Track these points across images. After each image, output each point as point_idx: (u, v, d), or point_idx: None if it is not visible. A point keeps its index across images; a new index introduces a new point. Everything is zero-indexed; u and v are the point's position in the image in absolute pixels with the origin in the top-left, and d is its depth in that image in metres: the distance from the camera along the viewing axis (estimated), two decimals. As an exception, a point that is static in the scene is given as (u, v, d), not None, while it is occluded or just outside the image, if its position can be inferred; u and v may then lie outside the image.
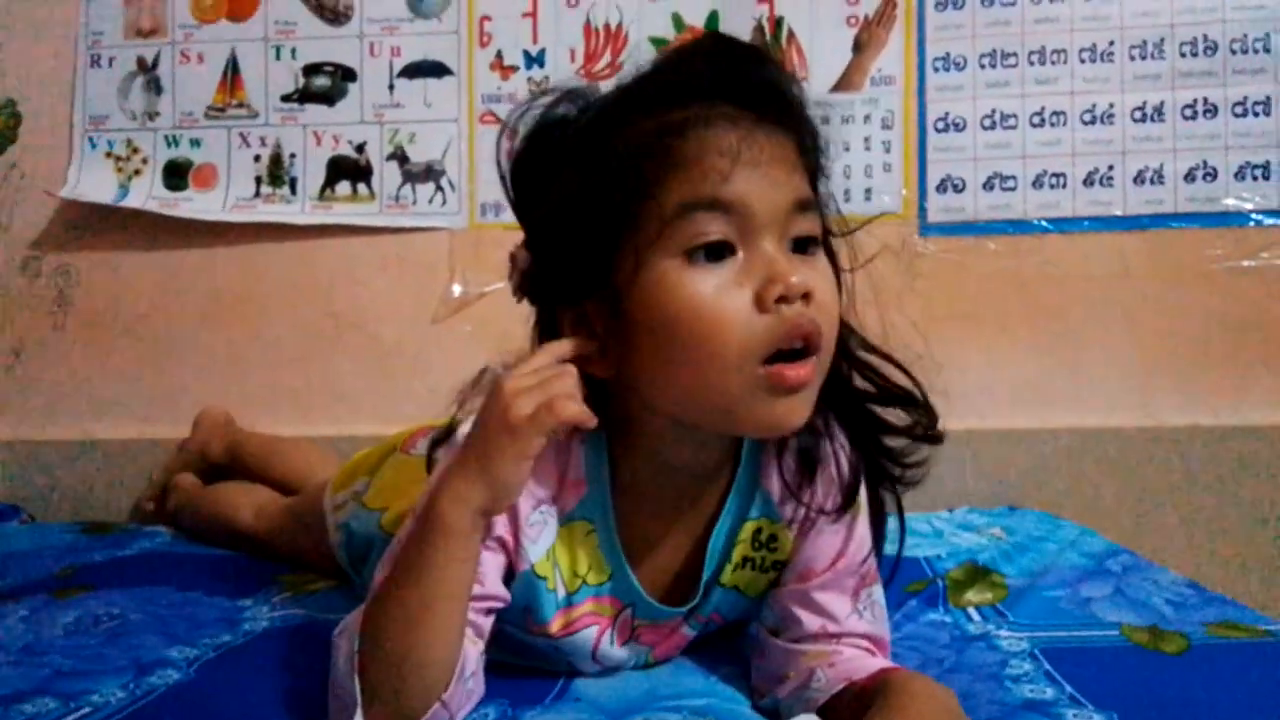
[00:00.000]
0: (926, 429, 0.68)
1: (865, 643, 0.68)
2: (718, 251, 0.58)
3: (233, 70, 1.51)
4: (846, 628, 0.68)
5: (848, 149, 1.41)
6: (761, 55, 0.64)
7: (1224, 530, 1.34)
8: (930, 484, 0.72)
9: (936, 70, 1.42)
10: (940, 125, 1.42)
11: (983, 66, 1.41)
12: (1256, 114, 1.37)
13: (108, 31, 1.53)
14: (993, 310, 1.40)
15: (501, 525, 0.64)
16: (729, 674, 0.73)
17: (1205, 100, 1.37)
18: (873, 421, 0.68)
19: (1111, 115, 1.39)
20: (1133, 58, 1.39)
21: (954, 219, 1.42)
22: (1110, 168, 1.39)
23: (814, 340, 0.59)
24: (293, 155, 1.50)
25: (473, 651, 0.61)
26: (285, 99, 1.50)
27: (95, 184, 1.51)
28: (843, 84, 1.43)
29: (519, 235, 0.68)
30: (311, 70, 1.50)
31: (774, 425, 0.61)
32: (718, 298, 0.57)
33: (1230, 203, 1.37)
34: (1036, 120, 1.40)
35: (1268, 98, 1.36)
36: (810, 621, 0.68)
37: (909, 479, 0.70)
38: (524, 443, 0.58)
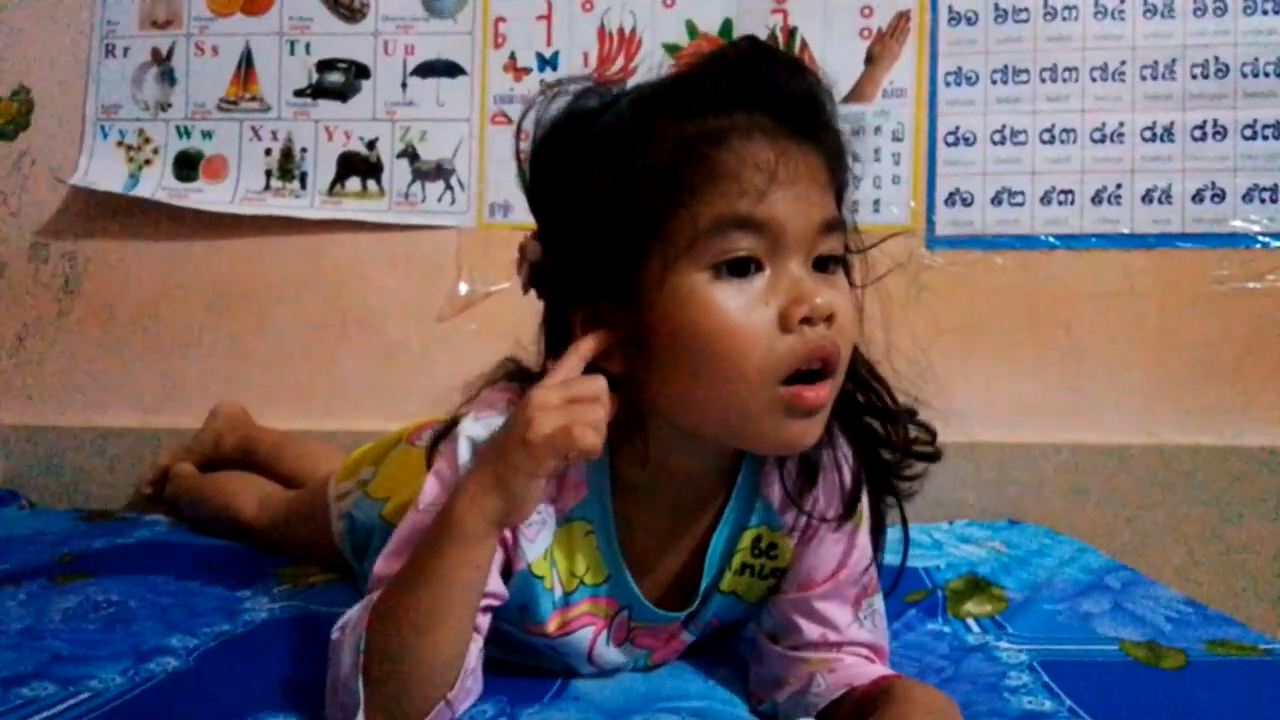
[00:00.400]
0: (925, 445, 0.68)
1: (866, 651, 0.68)
2: (744, 267, 0.58)
3: (247, 64, 1.52)
4: (847, 636, 0.68)
5: (858, 160, 1.41)
6: (801, 66, 0.63)
7: (1224, 549, 1.34)
8: (931, 495, 0.72)
9: (948, 84, 1.42)
10: (950, 139, 1.42)
11: (994, 82, 1.42)
12: (1266, 137, 1.37)
13: (123, 22, 1.53)
14: (998, 324, 1.41)
15: None
16: (727, 676, 0.73)
17: (1215, 122, 1.38)
18: (872, 435, 0.68)
19: (1121, 134, 1.39)
20: (1144, 78, 1.39)
21: (962, 233, 1.42)
22: (1119, 186, 1.39)
23: (833, 362, 0.59)
24: (304, 150, 1.50)
25: (472, 649, 0.61)
26: (298, 94, 1.51)
27: (105, 172, 1.51)
28: (854, 95, 1.43)
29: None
30: (325, 66, 1.51)
31: (787, 445, 0.61)
32: (743, 315, 0.57)
33: (1238, 224, 1.37)
34: (1046, 137, 1.41)
35: (1277, 121, 1.37)
36: (811, 630, 0.68)
37: (904, 492, 0.69)
38: (535, 463, 0.58)
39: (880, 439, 0.68)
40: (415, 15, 1.50)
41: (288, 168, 1.51)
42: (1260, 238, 1.37)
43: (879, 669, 0.67)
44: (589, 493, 0.68)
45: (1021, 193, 1.41)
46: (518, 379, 0.69)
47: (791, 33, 1.44)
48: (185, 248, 1.51)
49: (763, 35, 1.44)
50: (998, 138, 1.41)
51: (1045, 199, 1.41)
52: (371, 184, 1.50)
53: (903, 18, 1.43)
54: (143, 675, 0.70)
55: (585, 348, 0.61)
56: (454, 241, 1.48)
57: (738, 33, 1.44)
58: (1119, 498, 1.35)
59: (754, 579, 0.71)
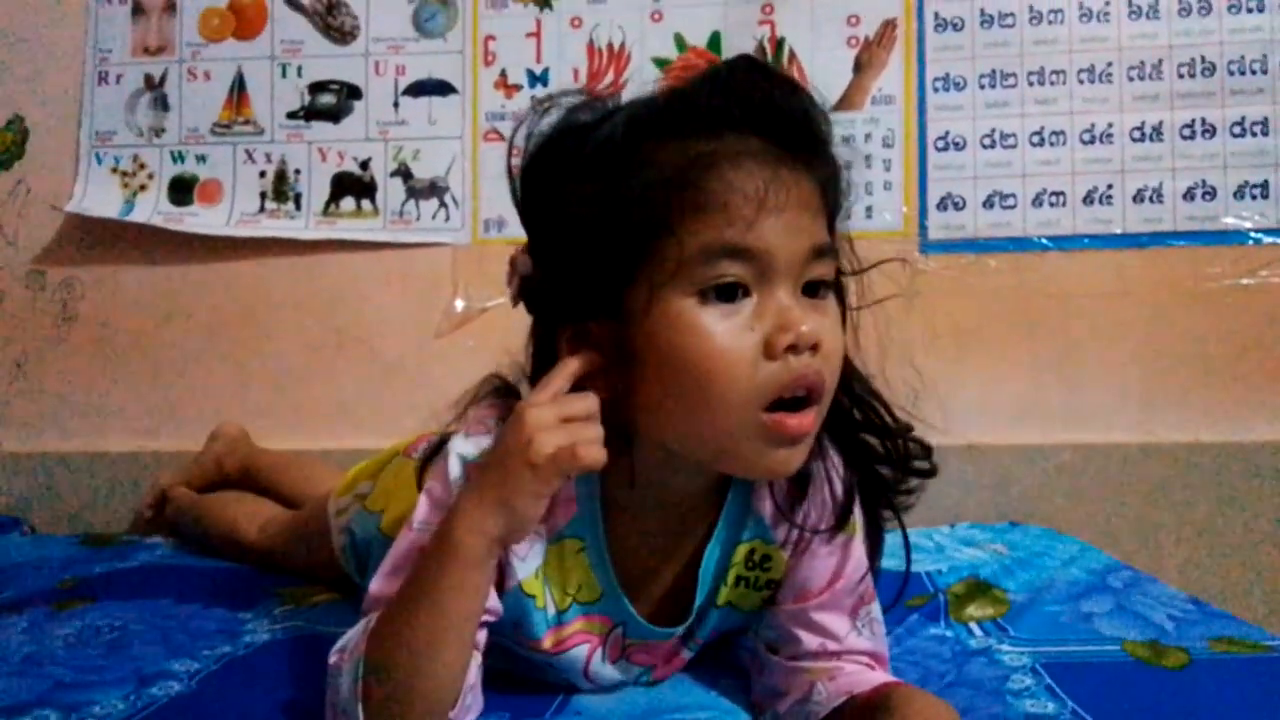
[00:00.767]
0: (921, 462, 0.68)
1: (866, 659, 0.68)
2: (731, 292, 0.58)
3: (239, 87, 1.53)
4: (847, 645, 0.67)
5: (849, 167, 1.41)
6: (796, 87, 0.62)
7: (1225, 546, 1.33)
8: (931, 499, 0.72)
9: (936, 90, 1.43)
10: (940, 144, 1.43)
11: (982, 87, 1.43)
12: (1254, 134, 1.38)
13: (115, 49, 1.54)
14: (993, 327, 1.41)
15: None
16: (730, 687, 0.73)
17: (1203, 120, 1.39)
18: (869, 452, 0.68)
19: (1110, 135, 1.40)
20: (1131, 78, 1.40)
21: (954, 237, 1.42)
22: (1109, 186, 1.40)
23: (817, 392, 0.59)
24: (297, 171, 1.51)
25: (471, 665, 0.61)
26: (291, 116, 1.51)
27: (101, 199, 1.52)
28: (844, 103, 1.44)
29: (521, 249, 0.68)
30: (317, 88, 1.52)
31: (769, 471, 0.61)
32: (727, 339, 0.57)
33: (1229, 221, 1.38)
34: (1036, 139, 1.41)
35: (1265, 118, 1.37)
36: (810, 640, 0.68)
37: (899, 505, 0.69)
38: (542, 482, 0.58)
39: (878, 455, 0.68)
40: (405, 35, 1.51)
41: (282, 189, 1.51)
42: (1252, 234, 1.37)
43: (880, 676, 0.67)
44: (579, 510, 0.67)
45: (1013, 195, 1.42)
46: (503, 395, 0.69)
47: (779, 43, 1.45)
48: (181, 272, 1.52)
49: (750, 46, 1.44)
50: (987, 142, 1.42)
51: (1037, 201, 1.41)
52: (366, 203, 1.50)
53: (889, 25, 1.44)
54: (145, 700, 0.70)
55: (572, 367, 0.61)
56: (449, 258, 1.48)
57: (726, 45, 1.45)
58: (1119, 497, 1.35)
59: (749, 590, 0.71)
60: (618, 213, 0.58)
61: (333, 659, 0.61)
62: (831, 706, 0.64)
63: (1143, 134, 1.40)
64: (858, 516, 0.68)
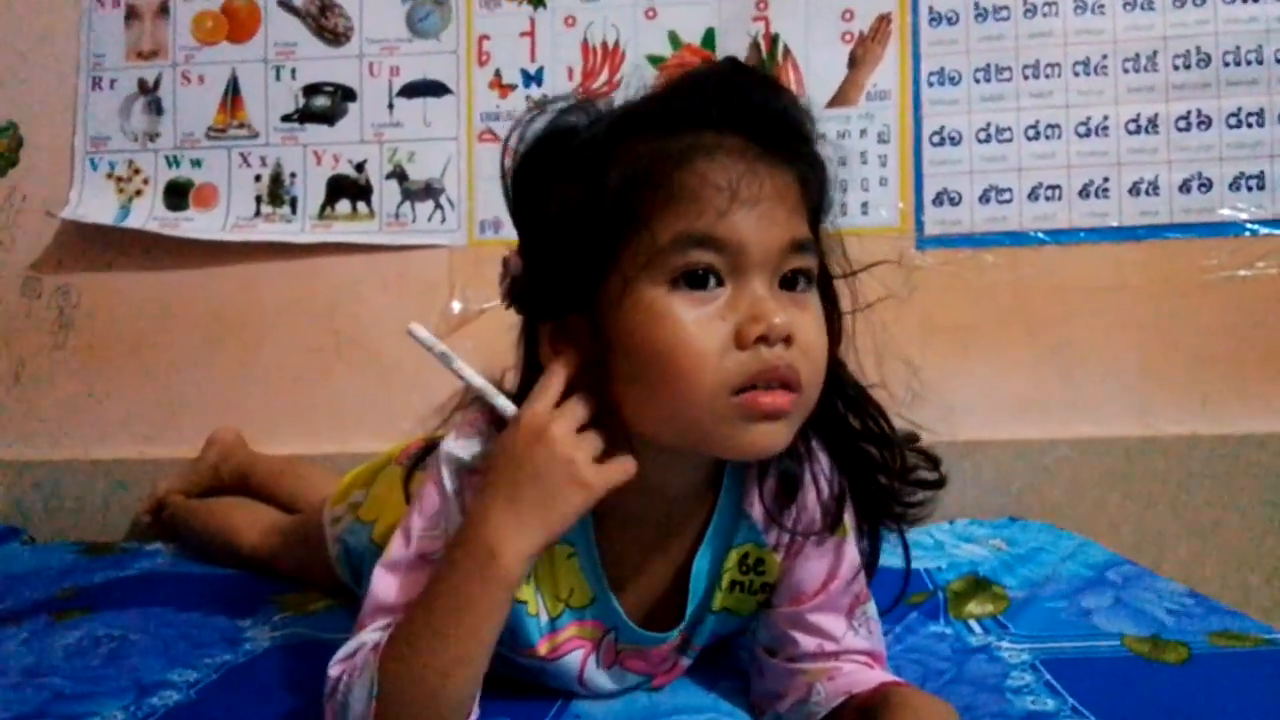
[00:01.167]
0: (927, 473, 0.67)
1: (864, 658, 0.68)
2: (703, 280, 0.58)
3: (233, 91, 1.52)
4: (844, 645, 0.67)
5: (844, 163, 1.42)
6: (776, 86, 0.62)
7: (1225, 539, 1.33)
8: (930, 496, 0.72)
9: (931, 85, 1.43)
10: (936, 139, 1.43)
11: (977, 81, 1.42)
12: (1250, 125, 1.37)
13: (109, 54, 1.54)
14: (991, 322, 1.41)
15: None
16: (729, 689, 0.73)
17: (1199, 112, 1.38)
18: (867, 461, 0.67)
19: (1106, 127, 1.40)
20: (1126, 70, 1.40)
21: (951, 231, 1.42)
22: (1106, 179, 1.40)
23: (791, 385, 0.58)
24: (293, 174, 1.51)
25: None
26: (285, 119, 1.51)
27: (96, 205, 1.52)
28: (839, 99, 1.43)
29: (517, 251, 0.67)
30: (311, 90, 1.51)
31: (750, 450, 0.60)
32: (696, 326, 0.57)
33: (1226, 213, 1.37)
34: (1032, 133, 1.41)
35: (1261, 109, 1.37)
36: (807, 642, 0.67)
37: (910, 516, 0.67)
38: (593, 500, 0.59)
39: (876, 464, 0.67)
40: (399, 36, 1.50)
41: (277, 193, 1.51)
42: (1249, 225, 1.37)
43: (879, 674, 0.66)
44: None
45: (1009, 190, 1.41)
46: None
47: (774, 39, 1.45)
48: (178, 277, 1.51)
49: (745, 43, 1.44)
50: (983, 136, 1.42)
51: (1033, 195, 1.41)
52: (361, 206, 1.50)
53: (884, 20, 1.43)
54: (144, 710, 0.70)
55: (561, 374, 0.61)
56: (445, 260, 1.48)
57: (720, 41, 1.45)
58: (1119, 490, 1.35)
59: (745, 594, 0.71)
60: (593, 207, 0.59)
61: (334, 670, 0.60)
62: (831, 706, 0.64)
63: (1138, 126, 1.39)
64: (849, 518, 0.68)
